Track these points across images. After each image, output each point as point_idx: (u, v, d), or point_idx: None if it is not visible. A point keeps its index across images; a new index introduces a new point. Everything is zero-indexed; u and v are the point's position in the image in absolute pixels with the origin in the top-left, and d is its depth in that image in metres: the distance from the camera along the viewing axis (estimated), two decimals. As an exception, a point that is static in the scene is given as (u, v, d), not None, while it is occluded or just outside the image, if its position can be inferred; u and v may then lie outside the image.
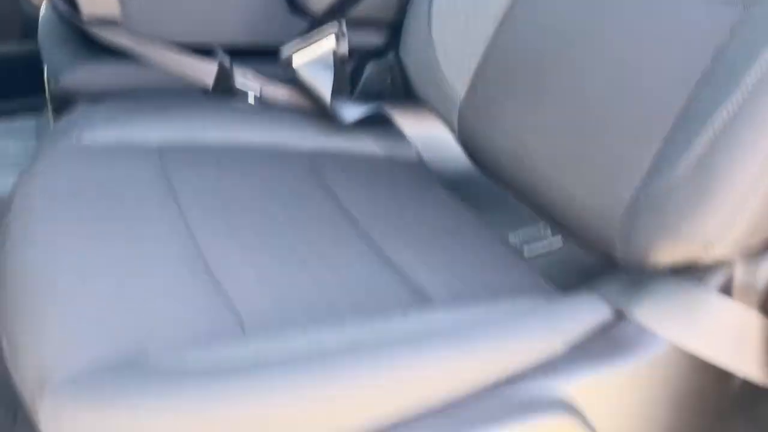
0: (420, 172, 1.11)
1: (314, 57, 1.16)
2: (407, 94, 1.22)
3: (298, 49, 1.15)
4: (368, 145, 1.13)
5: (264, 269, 0.72)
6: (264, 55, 1.18)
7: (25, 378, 0.57)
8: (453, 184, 1.08)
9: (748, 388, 0.81)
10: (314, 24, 1.21)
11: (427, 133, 1.15)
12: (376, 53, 1.27)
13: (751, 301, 0.74)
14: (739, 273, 0.75)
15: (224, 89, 1.12)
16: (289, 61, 1.14)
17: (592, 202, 0.86)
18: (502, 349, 0.68)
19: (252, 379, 0.55)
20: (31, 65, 1.29)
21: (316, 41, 1.16)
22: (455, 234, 0.92)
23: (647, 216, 0.77)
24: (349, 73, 1.24)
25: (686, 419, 0.79)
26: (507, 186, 1.04)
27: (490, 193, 1.07)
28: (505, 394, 0.66)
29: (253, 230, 0.79)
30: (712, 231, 0.70)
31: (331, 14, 1.21)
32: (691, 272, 0.76)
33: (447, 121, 1.14)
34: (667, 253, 0.75)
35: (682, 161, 0.72)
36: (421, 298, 0.75)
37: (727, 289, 0.75)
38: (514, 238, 0.96)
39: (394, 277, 0.78)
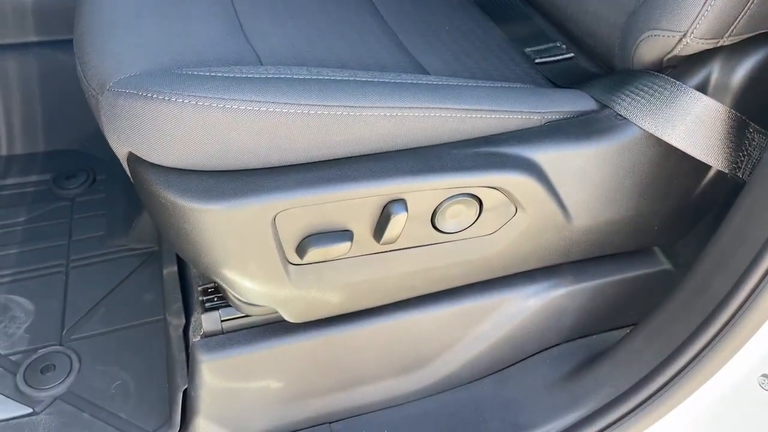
0: (457, -9, 1.18)
1: None
2: None
3: None
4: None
5: (287, 33, 0.85)
6: None
7: (91, 84, 0.73)
8: (487, 6, 1.15)
9: (721, 181, 0.89)
10: None
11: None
12: None
13: (724, 99, 0.81)
14: (716, 73, 0.81)
15: None
16: None
17: (605, 11, 0.92)
18: (484, 111, 0.78)
19: (260, 83, 0.68)
20: None
21: None
22: (471, 36, 1.01)
23: (639, 18, 0.83)
24: None
25: (648, 206, 0.88)
26: (534, 5, 1.11)
27: (520, 15, 1.13)
28: (478, 148, 0.78)
29: (287, 7, 0.91)
30: (685, 22, 0.76)
31: None
32: (672, 72, 0.83)
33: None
34: (650, 49, 0.82)
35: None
36: (420, 70, 0.86)
37: (703, 88, 0.82)
38: (529, 49, 1.04)
39: (400, 54, 0.88)
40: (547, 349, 0.98)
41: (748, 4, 0.74)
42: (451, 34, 1.00)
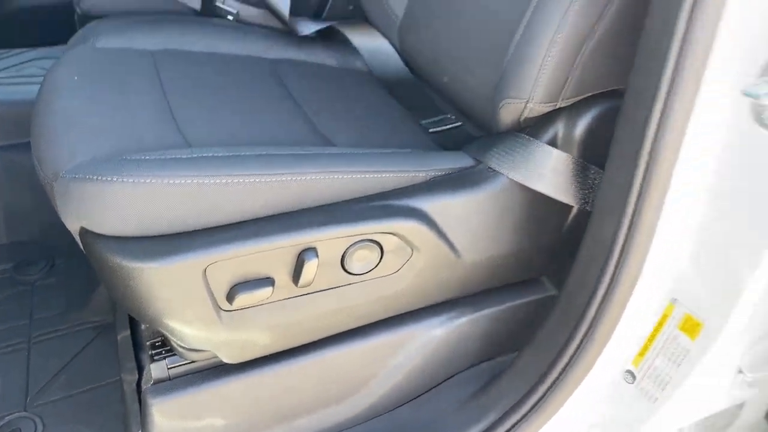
0: (365, 78, 1.38)
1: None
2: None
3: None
4: (324, 56, 1.41)
5: (212, 120, 1.02)
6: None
7: (47, 174, 0.88)
8: (392, 88, 1.36)
9: (585, 214, 1.07)
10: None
11: (373, 46, 1.43)
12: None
13: (571, 150, 1.00)
14: (561, 129, 1.01)
15: (209, 10, 1.42)
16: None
17: (478, 87, 1.12)
18: (378, 172, 0.95)
19: (186, 162, 0.84)
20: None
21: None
22: (377, 115, 1.20)
23: (498, 90, 1.03)
24: None
25: (526, 241, 1.06)
26: (429, 85, 1.32)
27: (419, 93, 1.34)
28: (374, 202, 0.95)
29: (212, 98, 1.09)
30: (525, 91, 0.96)
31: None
32: (529, 131, 1.02)
33: (389, 37, 1.41)
34: (507, 114, 1.01)
35: (513, 44, 0.99)
36: (327, 143, 1.04)
37: (553, 142, 1.01)
38: (425, 120, 1.23)
39: (311, 132, 1.07)
40: (456, 374, 1.13)
41: (570, 74, 0.94)
42: (356, 113, 1.19)
